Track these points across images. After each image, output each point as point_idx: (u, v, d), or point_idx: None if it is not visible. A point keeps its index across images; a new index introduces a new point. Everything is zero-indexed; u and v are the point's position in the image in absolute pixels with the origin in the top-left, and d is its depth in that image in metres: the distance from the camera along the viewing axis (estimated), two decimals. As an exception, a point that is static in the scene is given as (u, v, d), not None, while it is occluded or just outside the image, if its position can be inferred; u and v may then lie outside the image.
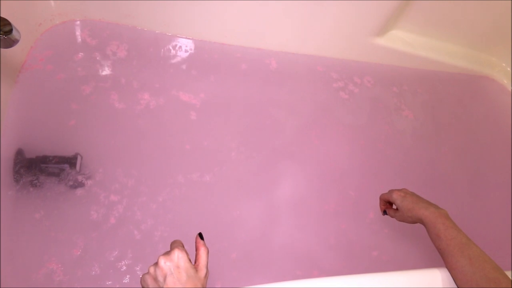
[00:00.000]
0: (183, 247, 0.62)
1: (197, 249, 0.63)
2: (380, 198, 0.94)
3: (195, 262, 0.62)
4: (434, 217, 0.74)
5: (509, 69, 1.68)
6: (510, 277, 0.65)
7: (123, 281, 1.01)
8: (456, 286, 0.70)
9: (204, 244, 0.64)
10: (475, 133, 1.54)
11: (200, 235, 0.65)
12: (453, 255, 0.69)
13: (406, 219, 0.83)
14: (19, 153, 1.09)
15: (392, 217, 0.90)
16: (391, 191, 0.88)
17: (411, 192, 0.86)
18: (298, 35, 1.43)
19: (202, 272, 0.61)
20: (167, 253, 0.60)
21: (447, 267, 0.71)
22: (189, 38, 1.39)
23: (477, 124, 1.57)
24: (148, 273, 0.61)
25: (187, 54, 1.37)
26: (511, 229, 1.33)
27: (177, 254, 0.59)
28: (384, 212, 0.93)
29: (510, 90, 1.68)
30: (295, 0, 1.29)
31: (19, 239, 1.00)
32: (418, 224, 0.82)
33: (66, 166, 1.10)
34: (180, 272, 0.58)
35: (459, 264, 0.68)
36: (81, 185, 1.10)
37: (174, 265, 0.59)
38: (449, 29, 1.53)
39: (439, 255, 0.74)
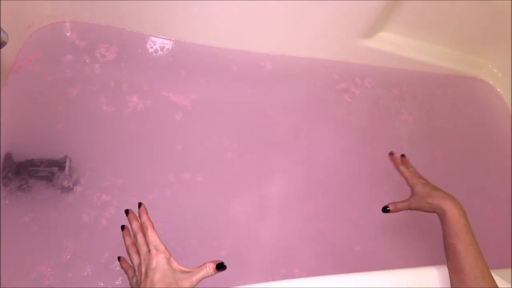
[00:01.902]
0: (160, 241, 0.63)
1: (204, 265, 0.61)
2: (401, 170, 0.90)
3: (191, 270, 0.61)
4: (458, 216, 0.73)
5: (495, 70, 1.70)
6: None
7: (116, 282, 1.01)
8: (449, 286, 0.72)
9: (211, 270, 0.61)
10: (466, 135, 1.55)
11: (219, 266, 0.62)
12: (468, 261, 0.69)
13: (423, 205, 0.80)
14: (8, 157, 1.08)
15: (399, 209, 0.86)
16: (413, 176, 0.86)
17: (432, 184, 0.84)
18: (289, 37, 1.44)
19: (190, 281, 0.59)
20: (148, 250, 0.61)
21: (454, 267, 0.71)
22: (178, 41, 1.39)
23: (468, 125, 1.58)
24: (136, 269, 0.62)
25: (176, 56, 1.37)
26: (510, 231, 1.34)
27: (155, 254, 0.60)
28: (384, 209, 0.88)
29: (496, 91, 1.70)
30: (285, 1, 1.29)
31: (8, 243, 0.99)
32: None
33: (55, 169, 1.09)
34: (155, 273, 0.58)
35: (473, 273, 0.68)
36: (70, 187, 1.09)
37: (151, 267, 0.59)
38: (437, 30, 1.55)
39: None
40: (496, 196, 1.44)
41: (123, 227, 0.70)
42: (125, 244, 0.67)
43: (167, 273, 0.58)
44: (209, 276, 0.61)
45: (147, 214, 0.65)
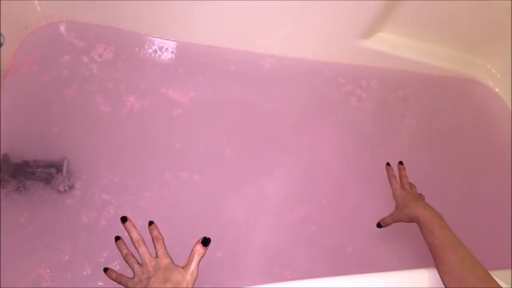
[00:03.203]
0: (166, 250, 0.66)
1: (192, 252, 0.64)
2: (391, 182, 0.95)
3: (186, 263, 0.64)
4: (431, 216, 0.77)
5: (494, 71, 1.70)
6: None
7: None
8: (442, 286, 0.72)
9: (201, 249, 0.64)
10: (466, 136, 1.55)
11: (205, 241, 0.65)
12: (445, 251, 0.71)
13: (401, 216, 0.85)
14: (5, 158, 1.07)
15: (387, 223, 0.91)
16: (397, 188, 0.91)
17: (414, 193, 0.90)
18: (287, 37, 1.43)
19: (188, 272, 0.62)
20: (153, 257, 0.65)
21: (436, 262, 0.73)
22: (176, 41, 1.39)
23: (467, 126, 1.58)
24: (134, 274, 0.65)
25: (174, 55, 1.37)
26: (510, 232, 1.34)
27: (163, 258, 0.64)
28: (378, 225, 0.94)
29: (495, 92, 1.70)
30: (282, 1, 1.29)
31: (6, 245, 0.99)
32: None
33: (53, 170, 1.08)
34: (164, 272, 0.61)
35: (451, 260, 0.69)
36: (68, 188, 1.09)
37: (158, 267, 0.63)
38: (435, 31, 1.54)
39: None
40: (497, 197, 1.44)
41: (117, 238, 0.71)
42: (123, 253, 0.68)
43: (175, 269, 0.62)
44: (203, 256, 0.64)
45: (159, 229, 0.69)
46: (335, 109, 1.45)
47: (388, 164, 0.98)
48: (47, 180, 1.08)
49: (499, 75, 1.69)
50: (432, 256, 0.74)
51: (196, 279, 0.63)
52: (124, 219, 0.68)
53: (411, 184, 0.95)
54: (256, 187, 1.24)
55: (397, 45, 1.53)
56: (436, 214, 0.77)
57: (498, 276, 0.73)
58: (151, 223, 0.70)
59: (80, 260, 1.01)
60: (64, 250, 1.02)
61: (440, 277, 0.72)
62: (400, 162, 0.98)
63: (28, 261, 0.99)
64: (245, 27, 1.39)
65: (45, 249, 1.01)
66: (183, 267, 0.63)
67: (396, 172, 0.97)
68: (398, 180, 0.94)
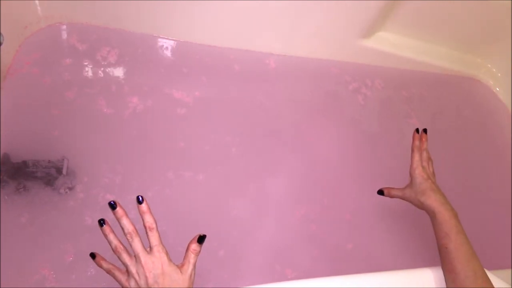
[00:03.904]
0: (161, 242, 0.60)
1: (188, 251, 0.62)
2: (412, 153, 0.86)
3: (182, 264, 0.61)
4: (449, 216, 0.74)
5: (494, 70, 1.70)
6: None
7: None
8: (443, 286, 0.72)
9: (197, 248, 0.62)
10: (466, 135, 1.55)
11: (200, 239, 0.62)
12: (459, 261, 0.70)
13: (414, 200, 0.81)
14: (5, 158, 1.07)
15: (393, 195, 0.87)
16: (417, 165, 0.83)
17: (432, 177, 0.83)
18: (289, 37, 1.44)
19: (187, 275, 0.60)
20: (148, 255, 0.59)
21: (447, 267, 0.72)
22: (180, 41, 1.39)
23: (468, 125, 1.58)
24: (128, 274, 0.60)
25: (177, 56, 1.37)
26: (511, 232, 1.34)
27: (159, 257, 0.59)
28: (379, 192, 0.90)
29: (496, 91, 1.70)
30: (283, 1, 1.29)
31: (8, 245, 0.99)
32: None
33: (53, 170, 1.08)
34: (164, 280, 0.58)
35: (464, 272, 0.68)
36: (69, 190, 1.09)
37: (156, 271, 0.58)
38: (435, 30, 1.55)
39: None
40: (497, 197, 1.44)
41: (102, 222, 0.61)
42: (112, 245, 0.61)
43: (173, 275, 0.59)
44: (199, 253, 0.62)
45: (151, 212, 0.61)
46: (341, 108, 1.45)
47: (417, 130, 0.88)
48: (48, 180, 1.08)
49: (499, 75, 1.69)
50: (440, 257, 0.74)
51: (194, 280, 0.61)
52: (113, 206, 0.60)
53: (429, 159, 0.86)
54: (260, 186, 1.24)
55: (397, 45, 1.53)
56: (453, 214, 0.75)
57: (499, 276, 0.73)
58: (140, 200, 0.60)
59: (84, 261, 1.01)
60: (68, 251, 1.02)
61: (446, 281, 0.72)
62: (425, 131, 0.88)
63: (32, 262, 0.99)
64: (245, 27, 1.39)
65: (48, 251, 1.01)
66: (180, 268, 0.60)
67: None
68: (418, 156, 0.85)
